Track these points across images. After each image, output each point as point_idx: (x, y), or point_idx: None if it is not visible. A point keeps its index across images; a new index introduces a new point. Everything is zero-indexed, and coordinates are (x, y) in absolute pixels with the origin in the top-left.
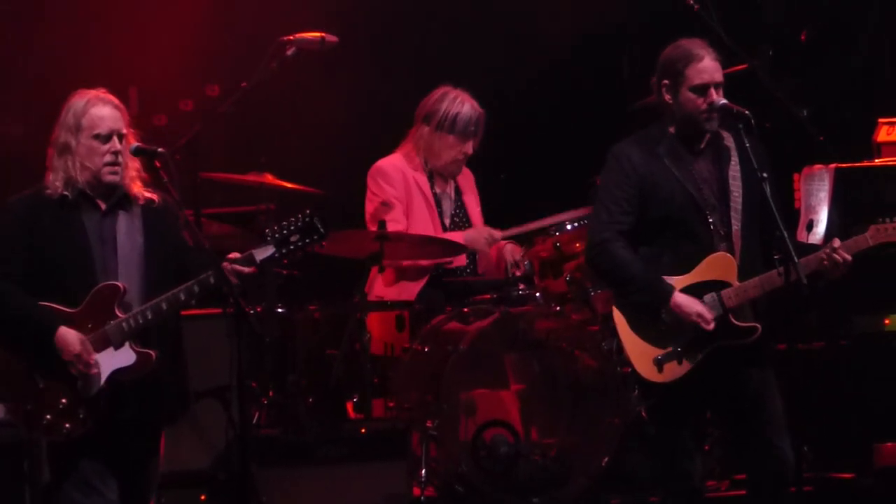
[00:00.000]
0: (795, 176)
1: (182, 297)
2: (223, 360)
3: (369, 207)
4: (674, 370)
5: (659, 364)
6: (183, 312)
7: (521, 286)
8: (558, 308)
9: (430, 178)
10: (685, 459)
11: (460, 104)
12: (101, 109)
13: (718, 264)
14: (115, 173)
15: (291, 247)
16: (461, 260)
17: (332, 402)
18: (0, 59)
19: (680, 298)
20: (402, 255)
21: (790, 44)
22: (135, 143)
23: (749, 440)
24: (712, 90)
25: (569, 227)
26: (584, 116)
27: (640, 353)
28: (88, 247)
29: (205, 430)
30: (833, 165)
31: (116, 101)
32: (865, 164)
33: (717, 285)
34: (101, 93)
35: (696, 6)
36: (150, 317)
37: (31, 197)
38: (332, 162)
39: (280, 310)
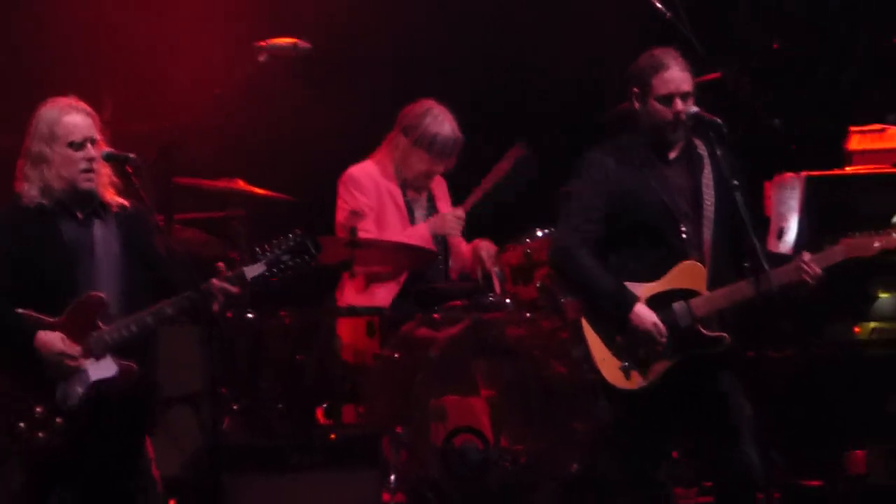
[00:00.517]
0: (766, 184)
1: (169, 311)
2: (194, 366)
3: (340, 216)
4: (640, 378)
5: (626, 371)
6: None
7: (491, 295)
8: (528, 315)
9: (403, 185)
10: (652, 466)
11: (441, 124)
12: (73, 117)
13: (689, 273)
14: (90, 180)
15: (282, 266)
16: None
17: (302, 409)
18: None
19: (638, 311)
20: (373, 261)
21: (762, 53)
22: (106, 149)
23: (716, 447)
24: (677, 100)
25: (539, 234)
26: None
27: (607, 360)
28: (68, 256)
29: (176, 437)
30: (804, 174)
31: (88, 107)
32: (836, 172)
33: (686, 294)
34: (72, 101)
35: (667, 14)
36: (134, 330)
37: (8, 208)
38: (303, 168)
39: (250, 315)
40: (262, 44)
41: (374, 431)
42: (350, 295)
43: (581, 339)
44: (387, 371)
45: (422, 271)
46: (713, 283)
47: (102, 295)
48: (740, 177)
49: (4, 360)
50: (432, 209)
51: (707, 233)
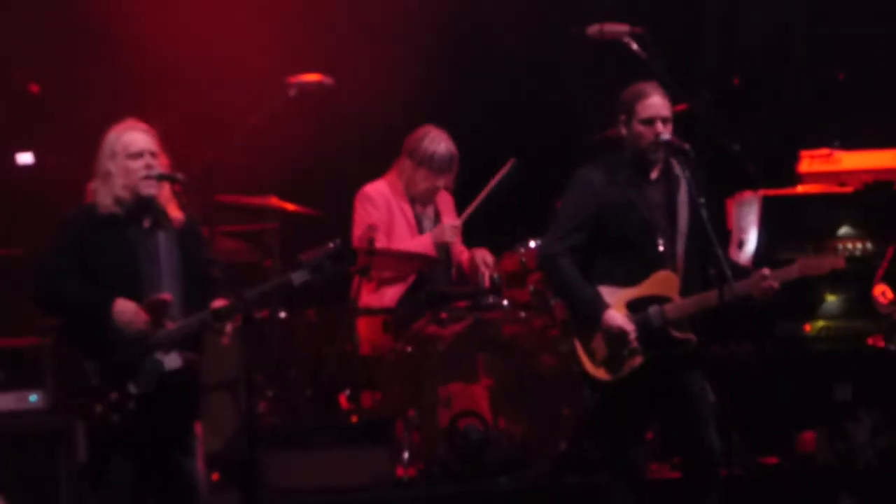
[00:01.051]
0: (728, 201)
1: (225, 310)
2: (232, 357)
3: (356, 229)
4: (617, 371)
5: (605, 364)
6: None
7: (491, 296)
8: (523, 315)
9: (412, 201)
10: (628, 447)
11: (437, 143)
12: (131, 134)
13: (663, 281)
14: (150, 186)
15: (324, 271)
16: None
17: (326, 395)
18: (41, 94)
19: (608, 315)
20: (386, 267)
21: (724, 87)
22: (157, 170)
23: (681, 432)
24: (659, 123)
25: (532, 244)
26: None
27: (588, 355)
28: (135, 260)
29: (217, 419)
30: (761, 192)
31: (146, 125)
32: (789, 191)
33: (660, 300)
34: (131, 121)
35: (642, 54)
36: (195, 327)
37: (83, 211)
38: (328, 187)
39: (281, 314)
40: (292, 80)
41: (389, 415)
42: (366, 296)
43: (567, 336)
44: (400, 363)
45: (427, 275)
46: (684, 291)
47: (168, 296)
48: (707, 195)
49: (86, 347)
50: (438, 222)
51: (680, 246)
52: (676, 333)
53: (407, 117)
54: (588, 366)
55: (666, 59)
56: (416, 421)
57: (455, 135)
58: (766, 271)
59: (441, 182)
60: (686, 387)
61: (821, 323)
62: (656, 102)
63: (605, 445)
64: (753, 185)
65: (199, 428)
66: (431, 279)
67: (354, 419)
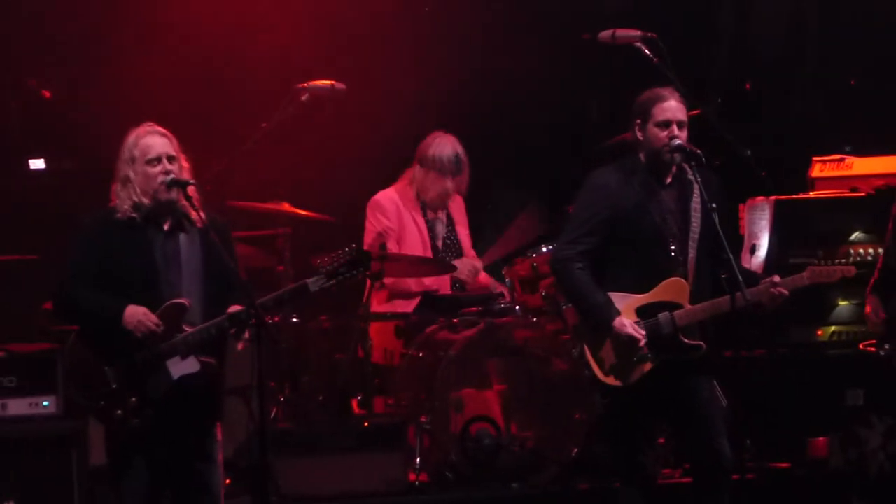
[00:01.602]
0: (741, 206)
1: (242, 315)
2: (245, 363)
3: (367, 236)
4: (627, 376)
5: (615, 370)
6: None
7: (502, 301)
8: (535, 320)
9: (423, 207)
10: (638, 452)
11: (444, 147)
12: (149, 139)
13: (674, 288)
14: (169, 191)
15: (340, 277)
16: (446, 287)
17: (339, 400)
18: (53, 101)
19: (618, 321)
20: (397, 273)
21: (736, 92)
22: (170, 176)
23: (691, 438)
24: (674, 126)
25: (544, 249)
26: (558, 153)
27: (598, 361)
28: (155, 263)
29: (229, 424)
30: (773, 198)
31: (164, 130)
32: (801, 196)
33: (671, 306)
34: (149, 125)
35: (655, 59)
36: (213, 332)
37: (102, 216)
38: (340, 192)
39: (294, 320)
40: (304, 85)
41: (401, 420)
42: (377, 305)
43: (577, 342)
44: (412, 368)
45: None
46: (695, 298)
47: (186, 301)
48: (720, 201)
49: (103, 352)
50: (451, 226)
51: (692, 252)
52: (686, 340)
53: (419, 123)
54: (598, 371)
55: (678, 65)
56: (428, 426)
57: (467, 140)
58: (776, 278)
59: (450, 184)
60: (696, 393)
61: (833, 328)
62: (673, 106)
63: (615, 451)
64: (765, 191)
65: (219, 433)
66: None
67: (366, 424)
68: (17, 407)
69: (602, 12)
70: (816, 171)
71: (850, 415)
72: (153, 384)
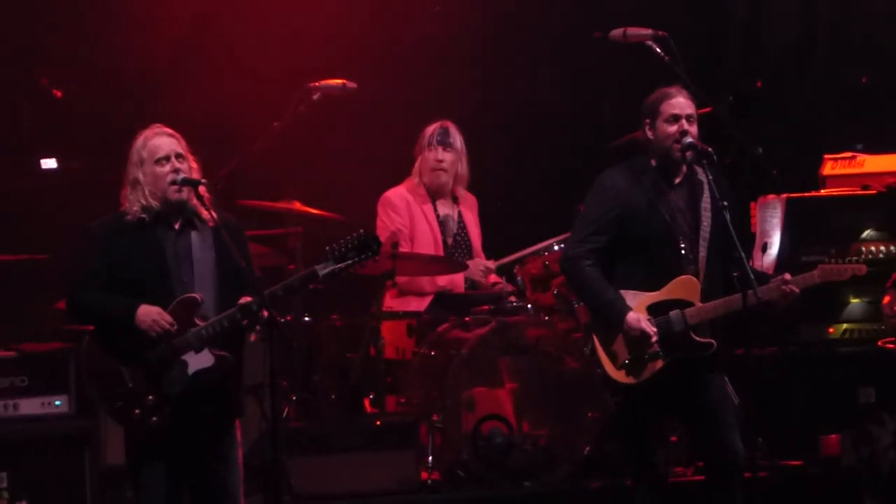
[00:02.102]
0: (752, 204)
1: (253, 307)
2: (257, 361)
3: (379, 236)
4: (638, 374)
5: (626, 368)
6: None
7: (514, 299)
8: (547, 318)
9: (434, 202)
10: (649, 451)
11: (430, 125)
12: (157, 139)
13: (685, 286)
14: (179, 190)
15: (350, 262)
16: (460, 286)
17: (351, 399)
18: (64, 100)
19: (630, 318)
20: (410, 271)
21: (748, 90)
22: (181, 175)
23: (704, 436)
24: (683, 120)
25: (556, 248)
26: (570, 153)
27: (609, 359)
28: (166, 262)
29: (242, 422)
30: (784, 196)
31: (171, 130)
32: (812, 194)
33: (682, 304)
34: (156, 127)
35: (666, 58)
36: (226, 325)
37: (110, 220)
38: (351, 191)
39: (306, 319)
40: (316, 84)
41: (413, 419)
42: (389, 301)
43: (590, 339)
44: (424, 366)
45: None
46: (705, 296)
47: (198, 295)
48: (731, 198)
49: (118, 352)
50: (461, 223)
51: (703, 250)
52: (697, 338)
53: (430, 121)
54: (609, 369)
55: (689, 63)
56: (440, 425)
57: (478, 138)
58: (786, 276)
59: (441, 155)
60: (707, 390)
61: (844, 326)
62: (681, 101)
63: (627, 449)
64: (777, 189)
65: (239, 433)
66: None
67: (378, 423)
68: (30, 406)
69: (613, 11)
70: (828, 168)
71: (861, 412)
72: (169, 381)
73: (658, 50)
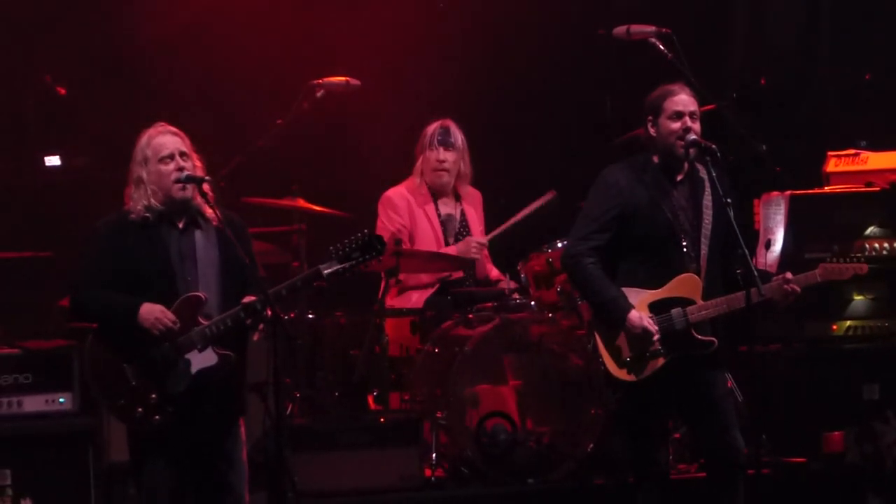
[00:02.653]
0: (756, 201)
1: (256, 305)
2: (261, 359)
3: (380, 233)
4: (640, 371)
5: (628, 365)
6: None
7: (517, 296)
8: (550, 315)
9: (435, 200)
10: (651, 448)
11: (431, 124)
12: (161, 138)
13: (687, 284)
14: (183, 189)
15: (354, 262)
16: (458, 273)
17: (355, 396)
18: (68, 97)
19: (631, 316)
20: (411, 268)
21: (751, 87)
22: (185, 173)
23: (706, 433)
24: (686, 117)
25: (559, 244)
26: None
27: (611, 356)
28: (170, 261)
29: (245, 420)
30: (788, 193)
31: (175, 129)
32: (816, 191)
33: (684, 302)
34: (160, 125)
35: (669, 55)
36: (230, 324)
37: (115, 219)
38: (356, 188)
39: (310, 316)
40: (319, 81)
41: (417, 416)
42: (390, 299)
43: (591, 337)
44: (428, 363)
45: (451, 279)
46: (707, 294)
47: (201, 294)
48: (733, 195)
49: (121, 350)
50: (464, 220)
51: (704, 248)
52: (698, 336)
53: (434, 118)
54: (611, 366)
55: (692, 60)
56: (444, 422)
57: (481, 136)
58: (788, 275)
59: (443, 155)
60: (709, 388)
61: (848, 323)
62: (683, 98)
63: (629, 446)
64: (780, 186)
65: (243, 431)
66: (455, 284)
67: (382, 420)
68: (33, 404)
69: (617, 8)
70: (831, 165)
71: (865, 409)
72: (173, 380)
73: (661, 47)
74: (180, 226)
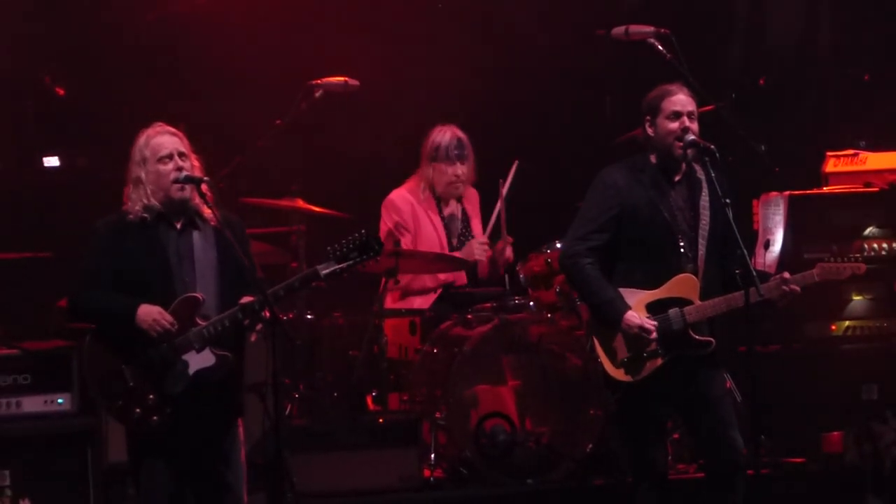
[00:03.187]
0: (755, 202)
1: (254, 306)
2: (260, 359)
3: (382, 235)
4: (637, 372)
5: (625, 366)
6: None
7: (517, 297)
8: (549, 315)
9: (439, 203)
10: (649, 449)
11: (443, 134)
12: (159, 138)
13: (684, 284)
14: (181, 189)
15: (351, 262)
16: (463, 279)
17: (353, 397)
18: (67, 98)
19: (628, 316)
20: (412, 270)
21: (750, 88)
22: (183, 173)
23: (704, 433)
24: (685, 117)
25: (558, 245)
26: (572, 149)
27: (608, 356)
28: (168, 261)
29: (244, 421)
30: (787, 193)
31: (173, 129)
32: (815, 191)
33: (681, 302)
34: (159, 125)
35: (668, 55)
36: (227, 324)
37: (114, 219)
38: (355, 188)
39: (309, 317)
40: (318, 81)
41: (416, 416)
42: (390, 303)
43: (588, 337)
44: (427, 364)
45: (456, 286)
46: (704, 294)
47: (199, 295)
48: (732, 195)
49: (120, 351)
50: (466, 221)
51: (701, 248)
52: (696, 336)
53: (434, 119)
54: (608, 367)
55: (691, 61)
56: (443, 422)
57: (481, 136)
58: (786, 275)
59: (459, 170)
60: (707, 388)
61: (847, 323)
62: (681, 98)
63: (627, 447)
64: (779, 186)
65: (241, 431)
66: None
67: (381, 421)
68: (32, 404)
69: (616, 8)
70: (830, 166)
71: (864, 410)
72: (170, 381)
73: (660, 48)
74: (178, 226)
